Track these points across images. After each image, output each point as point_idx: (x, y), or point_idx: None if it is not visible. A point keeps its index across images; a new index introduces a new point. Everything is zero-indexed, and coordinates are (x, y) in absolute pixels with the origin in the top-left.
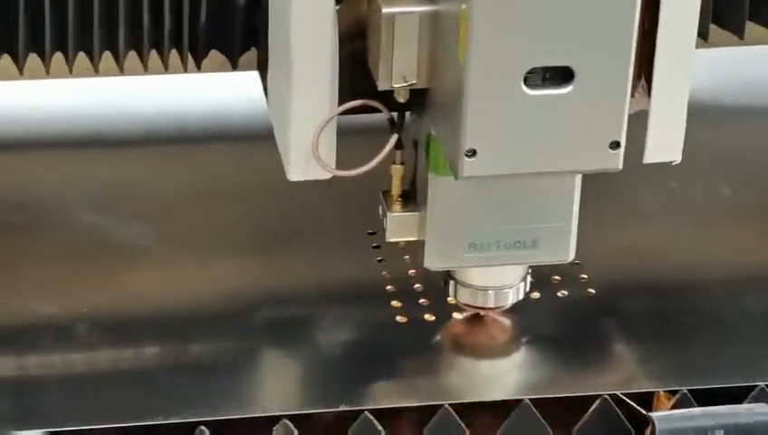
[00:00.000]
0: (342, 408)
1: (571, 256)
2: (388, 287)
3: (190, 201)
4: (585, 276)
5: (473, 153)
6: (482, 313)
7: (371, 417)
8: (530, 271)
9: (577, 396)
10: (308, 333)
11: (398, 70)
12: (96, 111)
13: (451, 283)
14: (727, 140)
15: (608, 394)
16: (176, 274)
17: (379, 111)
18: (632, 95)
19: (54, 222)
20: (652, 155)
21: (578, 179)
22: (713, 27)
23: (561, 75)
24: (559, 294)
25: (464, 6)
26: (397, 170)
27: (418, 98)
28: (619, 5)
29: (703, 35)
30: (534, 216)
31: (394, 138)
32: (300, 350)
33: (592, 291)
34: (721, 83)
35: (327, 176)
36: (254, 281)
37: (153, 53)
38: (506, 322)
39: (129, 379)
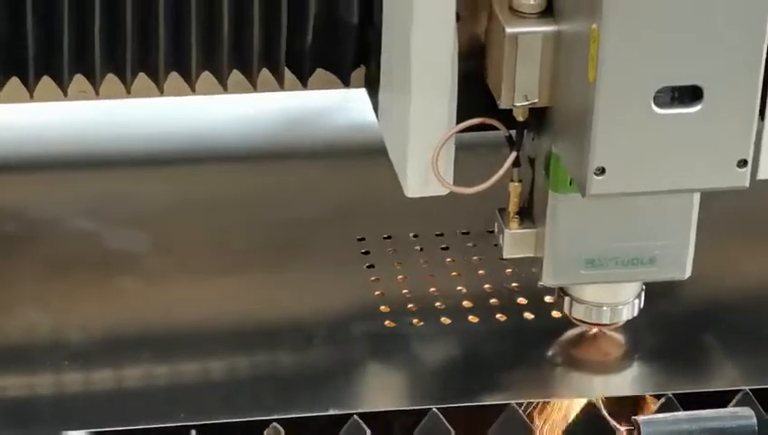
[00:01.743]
0: (331, 411)
1: (688, 273)
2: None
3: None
4: None
5: (602, 171)
6: (594, 329)
7: (360, 420)
8: (644, 287)
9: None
10: None
11: (521, 89)
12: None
13: (566, 299)
14: None
15: (595, 398)
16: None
17: (497, 128)
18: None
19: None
20: (766, 171)
21: (696, 196)
22: None
23: (690, 94)
24: None
25: (595, 26)
26: (515, 188)
27: (537, 116)
28: (748, 24)
29: None
30: (653, 232)
31: (513, 155)
32: None
33: None
34: None
35: (445, 192)
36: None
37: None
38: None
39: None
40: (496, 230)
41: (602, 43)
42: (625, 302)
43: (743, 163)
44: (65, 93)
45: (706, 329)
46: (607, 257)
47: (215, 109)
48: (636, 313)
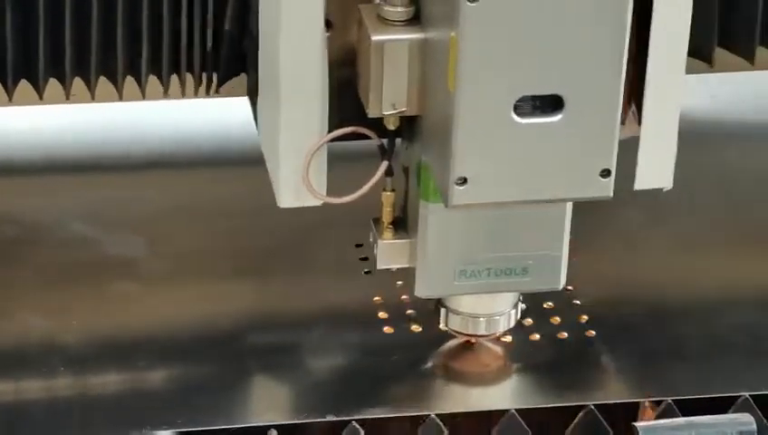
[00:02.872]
0: (330, 418)
1: (562, 283)
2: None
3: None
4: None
5: (463, 181)
6: (473, 340)
7: (358, 426)
8: (521, 298)
9: (563, 407)
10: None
11: (388, 97)
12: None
13: (442, 310)
14: None
15: (593, 405)
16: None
17: (370, 138)
18: (623, 122)
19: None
20: (643, 181)
21: (569, 207)
22: (722, 52)
23: (551, 104)
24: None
25: (453, 34)
26: (387, 197)
27: (409, 125)
28: (608, 34)
29: (708, 60)
30: (525, 243)
31: (384, 165)
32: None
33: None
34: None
35: (317, 203)
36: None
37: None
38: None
39: None
40: (371, 240)
41: (460, 52)
42: (501, 312)
43: (606, 173)
44: (41, 97)
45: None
46: (479, 268)
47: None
48: (513, 323)
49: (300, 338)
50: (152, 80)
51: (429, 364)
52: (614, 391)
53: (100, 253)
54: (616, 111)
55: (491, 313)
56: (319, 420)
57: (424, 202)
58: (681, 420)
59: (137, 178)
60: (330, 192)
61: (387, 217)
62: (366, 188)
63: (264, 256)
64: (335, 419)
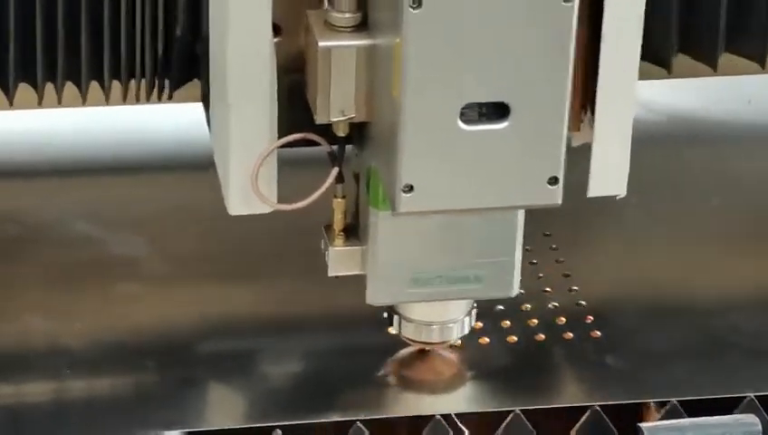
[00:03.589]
0: (335, 419)
1: (515, 291)
2: None
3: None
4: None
5: (410, 189)
6: (427, 347)
7: (363, 427)
8: (475, 305)
9: (568, 407)
10: None
11: (336, 104)
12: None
13: (395, 317)
14: None
15: (599, 405)
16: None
17: (320, 144)
18: (577, 128)
19: None
20: (596, 189)
21: (521, 215)
22: (683, 58)
23: (498, 111)
24: None
25: (397, 40)
26: (338, 204)
27: (359, 131)
28: (553, 42)
29: (667, 66)
30: (477, 251)
31: (334, 171)
32: None
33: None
34: None
35: (268, 210)
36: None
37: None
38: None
39: None
40: (323, 247)
41: (404, 58)
42: (455, 320)
43: (554, 180)
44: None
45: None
46: (431, 276)
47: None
48: (467, 330)
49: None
50: (115, 84)
51: (381, 372)
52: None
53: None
54: (562, 118)
55: (444, 320)
56: (324, 420)
57: (374, 209)
58: (686, 420)
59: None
60: (281, 199)
61: (338, 224)
62: (316, 195)
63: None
64: (341, 419)
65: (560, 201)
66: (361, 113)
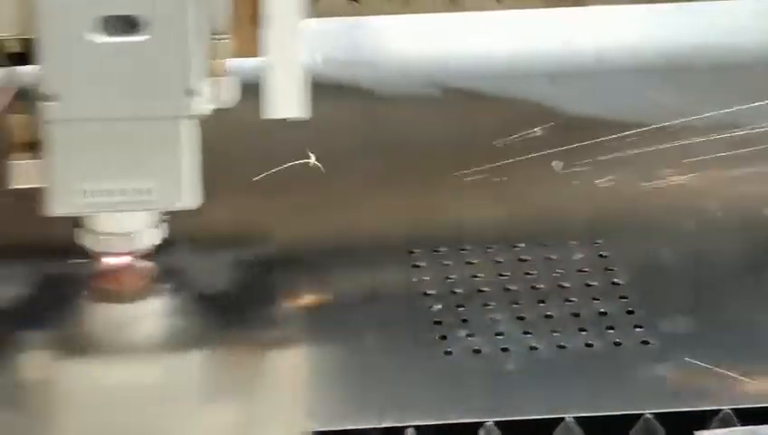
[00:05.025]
0: (386, 425)
1: (188, 202)
2: None
3: None
4: None
5: (53, 98)
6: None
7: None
8: (167, 217)
9: (619, 415)
10: None
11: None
12: None
13: (78, 230)
14: None
15: (650, 413)
16: None
17: None
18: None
19: None
20: (272, 110)
21: (190, 125)
22: None
23: (131, 24)
24: None
25: None
26: (17, 120)
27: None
28: None
29: None
30: (147, 163)
31: (11, 89)
32: None
33: None
34: None
35: None
36: None
37: None
38: None
39: None
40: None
41: None
42: (137, 231)
43: (190, 93)
44: None
45: None
46: (106, 187)
47: None
48: (155, 241)
49: None
50: None
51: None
52: None
53: None
54: (185, 33)
55: (125, 231)
56: (373, 427)
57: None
58: (743, 429)
59: None
60: None
61: (18, 138)
62: None
63: None
64: (393, 425)
65: (192, 113)
66: (24, 29)
